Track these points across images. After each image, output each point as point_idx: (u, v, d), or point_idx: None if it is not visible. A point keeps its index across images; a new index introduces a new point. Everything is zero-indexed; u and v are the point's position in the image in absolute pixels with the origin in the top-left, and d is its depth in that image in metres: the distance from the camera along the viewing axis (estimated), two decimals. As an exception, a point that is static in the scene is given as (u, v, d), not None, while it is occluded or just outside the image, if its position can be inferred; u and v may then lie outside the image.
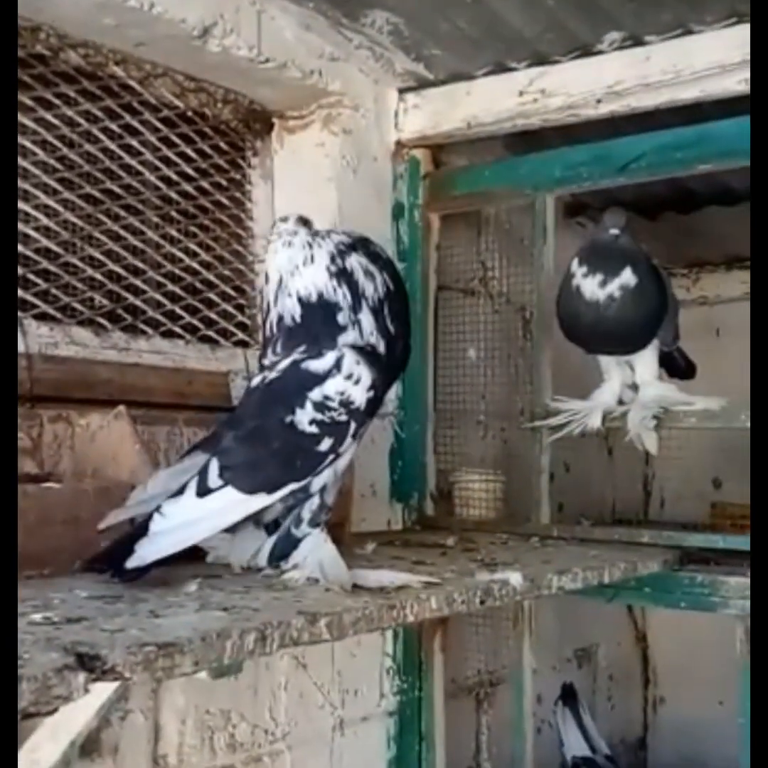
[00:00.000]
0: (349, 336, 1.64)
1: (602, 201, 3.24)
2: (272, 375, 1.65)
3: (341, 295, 1.65)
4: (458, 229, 2.83)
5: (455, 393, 2.77)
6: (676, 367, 2.61)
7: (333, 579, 1.57)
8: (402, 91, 2.67)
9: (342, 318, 1.65)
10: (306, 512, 1.63)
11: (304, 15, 2.35)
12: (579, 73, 2.43)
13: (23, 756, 1.72)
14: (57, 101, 2.10)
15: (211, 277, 2.43)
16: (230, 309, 2.47)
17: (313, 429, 1.59)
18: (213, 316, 2.42)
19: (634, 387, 2.40)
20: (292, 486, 1.59)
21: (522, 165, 2.60)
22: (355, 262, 1.67)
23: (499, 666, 2.95)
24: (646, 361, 2.38)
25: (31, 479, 1.78)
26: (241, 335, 2.48)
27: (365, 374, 1.61)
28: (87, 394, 2.02)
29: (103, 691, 1.62)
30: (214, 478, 1.55)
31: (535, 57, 2.47)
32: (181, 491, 1.55)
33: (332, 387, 1.60)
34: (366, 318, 1.66)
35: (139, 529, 1.51)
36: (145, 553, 1.46)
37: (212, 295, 2.43)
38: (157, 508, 1.52)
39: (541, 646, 2.85)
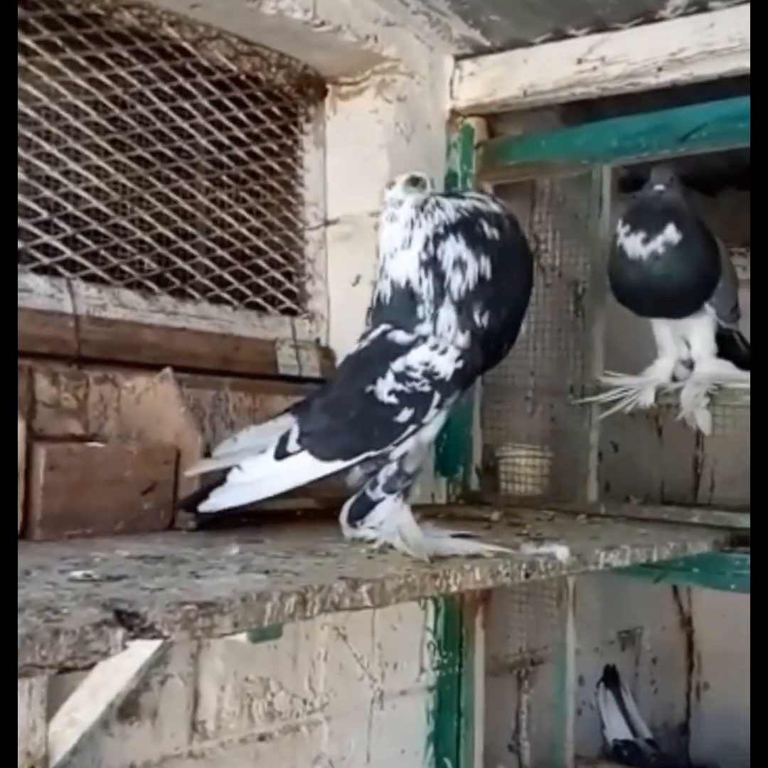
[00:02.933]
0: (424, 328, 1.63)
1: (659, 176, 3.16)
2: (364, 344, 1.70)
3: (425, 288, 1.63)
4: (511, 201, 2.72)
5: (503, 367, 2.68)
6: (737, 353, 2.44)
7: (415, 546, 1.57)
8: (458, 58, 2.61)
9: (421, 311, 1.63)
10: (381, 477, 1.66)
11: (361, -22, 2.32)
12: (640, 41, 2.36)
13: (62, 716, 1.73)
14: (110, 61, 2.08)
15: (260, 244, 2.41)
16: (278, 276, 2.45)
17: (392, 399, 1.60)
18: (261, 282, 2.40)
19: (690, 364, 2.34)
20: (370, 454, 1.62)
21: (579, 135, 2.53)
22: (449, 249, 1.63)
23: (541, 645, 2.93)
24: (703, 335, 2.31)
25: (76, 439, 1.78)
26: (288, 303, 2.46)
27: (452, 346, 1.62)
28: (133, 357, 2.02)
29: (143, 652, 1.62)
30: (293, 443, 1.62)
31: (596, 23, 2.40)
32: (263, 451, 1.65)
33: (416, 357, 1.61)
34: (445, 313, 1.63)
35: (218, 479, 1.66)
36: (219, 500, 1.64)
37: (261, 262, 2.41)
38: (238, 465, 1.65)
39: (584, 627, 2.82)
